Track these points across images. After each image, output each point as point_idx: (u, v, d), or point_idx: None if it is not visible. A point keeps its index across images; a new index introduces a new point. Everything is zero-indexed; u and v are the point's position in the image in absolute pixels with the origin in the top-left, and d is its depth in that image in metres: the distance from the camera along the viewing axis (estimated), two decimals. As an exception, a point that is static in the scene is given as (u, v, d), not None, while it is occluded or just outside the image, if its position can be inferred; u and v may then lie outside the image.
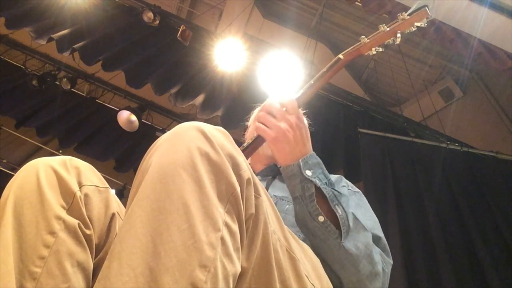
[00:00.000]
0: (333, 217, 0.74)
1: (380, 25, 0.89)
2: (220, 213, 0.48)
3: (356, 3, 2.66)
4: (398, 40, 0.87)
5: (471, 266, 2.36)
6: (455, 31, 2.43)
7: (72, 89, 4.00)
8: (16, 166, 4.82)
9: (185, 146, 0.51)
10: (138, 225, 0.45)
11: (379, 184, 2.72)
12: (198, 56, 3.23)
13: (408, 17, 0.85)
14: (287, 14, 4.16)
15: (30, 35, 3.08)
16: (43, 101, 4.04)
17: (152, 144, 0.55)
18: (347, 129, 3.16)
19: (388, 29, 0.88)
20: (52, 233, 0.57)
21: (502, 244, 2.40)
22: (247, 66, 3.21)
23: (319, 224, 0.74)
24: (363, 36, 0.89)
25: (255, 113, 1.21)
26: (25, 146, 5.06)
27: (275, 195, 0.97)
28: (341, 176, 1.05)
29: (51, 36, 2.93)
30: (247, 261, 0.53)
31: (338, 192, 0.77)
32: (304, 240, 0.76)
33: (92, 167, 0.70)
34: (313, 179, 0.75)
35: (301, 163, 0.77)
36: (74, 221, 0.60)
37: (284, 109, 0.81)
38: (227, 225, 0.48)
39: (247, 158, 0.74)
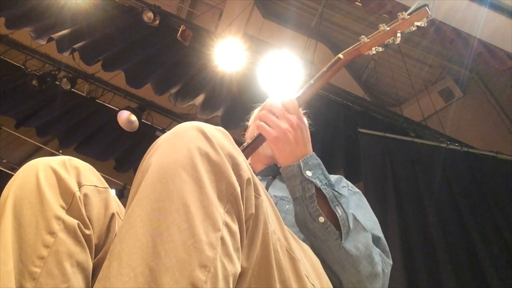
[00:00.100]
0: (333, 218, 0.74)
1: (380, 25, 0.88)
2: (220, 213, 0.48)
3: (356, 3, 2.65)
4: (398, 40, 0.87)
5: (471, 266, 2.36)
6: (455, 31, 2.43)
7: (72, 89, 3.99)
8: (16, 166, 4.82)
9: (185, 146, 0.51)
10: (138, 225, 0.45)
11: (379, 184, 2.72)
12: (198, 56, 3.23)
13: (408, 16, 0.85)
14: (287, 14, 4.16)
15: (30, 35, 3.08)
16: (43, 101, 4.04)
17: (152, 144, 0.55)
18: (347, 129, 3.16)
19: (388, 28, 0.87)
20: (52, 233, 0.57)
21: (502, 244, 2.40)
22: (247, 66, 3.21)
23: (319, 225, 0.73)
24: (363, 36, 0.89)
25: (255, 113, 1.21)
26: (25, 146, 5.05)
27: (275, 195, 0.97)
28: (341, 176, 1.05)
29: (51, 36, 2.93)
30: (247, 261, 0.53)
31: (338, 193, 0.77)
32: (304, 241, 0.75)
33: (92, 167, 0.70)
34: (314, 180, 0.75)
35: (301, 164, 0.77)
36: (73, 221, 0.60)
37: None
38: (227, 225, 0.48)
39: (247, 158, 0.74)
